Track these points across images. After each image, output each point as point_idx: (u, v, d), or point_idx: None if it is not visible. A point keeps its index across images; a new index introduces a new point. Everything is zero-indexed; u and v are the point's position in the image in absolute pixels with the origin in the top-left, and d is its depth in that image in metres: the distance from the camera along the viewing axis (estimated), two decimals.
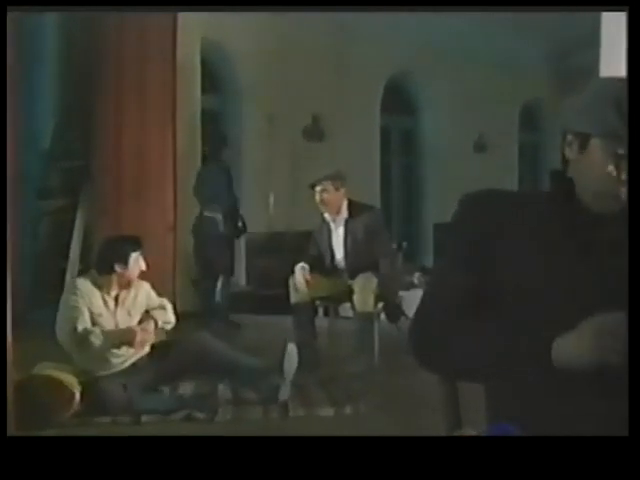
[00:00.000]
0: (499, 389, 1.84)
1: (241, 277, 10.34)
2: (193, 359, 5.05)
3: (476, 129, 13.29)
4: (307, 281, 6.22)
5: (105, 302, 5.02)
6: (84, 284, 4.99)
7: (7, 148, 2.88)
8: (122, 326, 5.06)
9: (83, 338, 4.87)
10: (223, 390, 5.16)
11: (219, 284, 8.42)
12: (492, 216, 1.87)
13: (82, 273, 6.31)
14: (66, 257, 7.98)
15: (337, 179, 6.40)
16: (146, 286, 5.22)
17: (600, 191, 1.76)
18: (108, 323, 5.00)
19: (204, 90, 9.55)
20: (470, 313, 1.80)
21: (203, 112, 9.51)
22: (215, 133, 8.96)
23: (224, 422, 4.83)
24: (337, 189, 6.36)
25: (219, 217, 8.21)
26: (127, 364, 5.09)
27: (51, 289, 7.33)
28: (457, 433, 1.69)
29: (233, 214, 8.40)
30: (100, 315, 4.97)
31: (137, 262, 5.05)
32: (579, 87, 1.83)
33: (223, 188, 8.28)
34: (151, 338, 5.13)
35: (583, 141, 1.77)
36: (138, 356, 5.12)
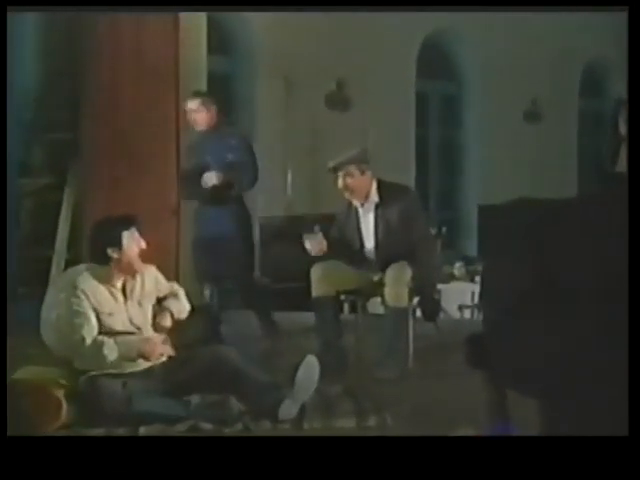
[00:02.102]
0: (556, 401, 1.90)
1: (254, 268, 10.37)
2: (205, 372, 5.11)
3: (529, 95, 13.24)
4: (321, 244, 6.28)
5: (113, 297, 5.06)
6: (85, 281, 4.99)
7: None
8: (136, 321, 5.12)
9: (95, 351, 4.92)
10: (235, 401, 5.20)
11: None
12: (549, 217, 1.91)
13: (71, 263, 6.34)
14: (52, 245, 8.02)
15: (362, 162, 6.40)
16: (152, 270, 5.26)
17: None
18: (120, 321, 5.05)
19: (211, 50, 9.55)
20: (528, 315, 1.86)
21: (210, 76, 9.52)
22: None
23: (233, 434, 4.86)
24: (363, 173, 6.35)
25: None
26: (137, 369, 5.14)
27: (34, 282, 7.38)
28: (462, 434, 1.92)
29: None
30: (111, 314, 5.01)
31: (133, 241, 5.07)
32: None
33: None
34: (168, 350, 5.20)
35: None
36: (152, 363, 5.17)
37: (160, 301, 5.32)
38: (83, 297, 4.93)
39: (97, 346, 4.92)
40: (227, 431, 4.88)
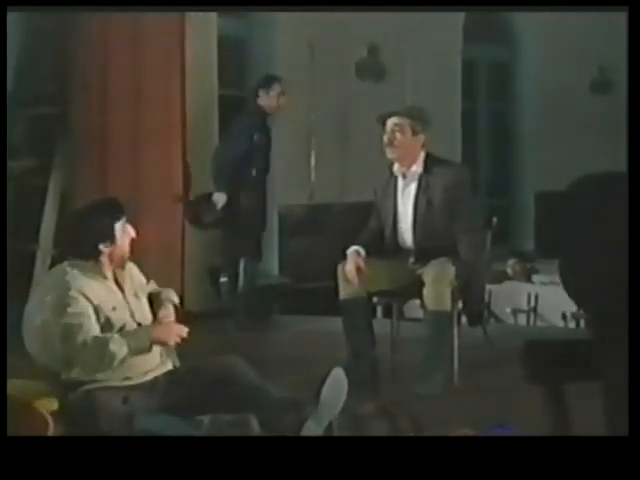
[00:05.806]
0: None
1: (273, 265, 10.40)
2: (214, 387, 5.13)
3: (595, 62, 13.19)
4: (359, 269, 6.18)
5: (109, 290, 5.10)
6: (77, 278, 5.02)
7: None
8: (138, 314, 5.16)
9: (99, 351, 4.92)
10: (255, 420, 5.21)
11: (241, 274, 8.38)
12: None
13: (57, 259, 6.37)
14: (35, 237, 8.05)
15: (418, 118, 6.39)
16: (132, 264, 5.31)
17: None
18: (124, 315, 5.08)
19: (221, 12, 9.57)
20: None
21: (220, 41, 9.54)
22: None
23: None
24: (415, 133, 6.34)
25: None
26: (145, 379, 5.16)
27: (15, 281, 7.41)
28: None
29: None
30: (115, 309, 5.04)
31: (125, 232, 5.13)
32: None
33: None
34: (183, 329, 5.19)
35: None
36: (159, 371, 5.19)
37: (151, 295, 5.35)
38: (79, 296, 4.95)
39: (102, 344, 4.92)
40: None
